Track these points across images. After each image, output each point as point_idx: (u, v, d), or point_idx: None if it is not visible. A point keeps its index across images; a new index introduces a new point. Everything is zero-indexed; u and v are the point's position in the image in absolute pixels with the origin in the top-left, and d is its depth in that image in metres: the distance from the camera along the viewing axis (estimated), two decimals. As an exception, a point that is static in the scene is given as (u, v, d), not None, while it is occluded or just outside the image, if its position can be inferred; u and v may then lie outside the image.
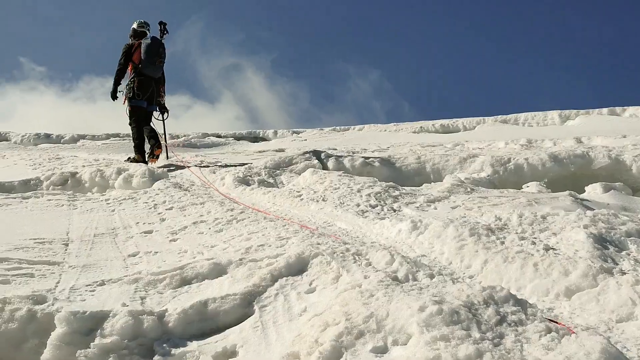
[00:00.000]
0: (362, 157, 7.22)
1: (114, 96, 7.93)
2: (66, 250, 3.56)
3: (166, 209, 4.77)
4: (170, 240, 3.87)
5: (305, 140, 25.97)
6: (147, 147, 8.08)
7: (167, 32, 8.02)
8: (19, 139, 21.91)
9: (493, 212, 4.31)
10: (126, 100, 7.91)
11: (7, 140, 22.65)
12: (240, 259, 3.08)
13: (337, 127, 29.68)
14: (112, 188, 6.22)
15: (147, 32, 8.07)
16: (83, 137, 22.92)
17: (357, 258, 3.00)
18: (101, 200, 5.13)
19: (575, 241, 3.37)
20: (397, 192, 5.24)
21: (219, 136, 28.28)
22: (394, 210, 4.76)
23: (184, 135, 26.57)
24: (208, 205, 4.77)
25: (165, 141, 8.72)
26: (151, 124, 8.21)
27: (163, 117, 8.48)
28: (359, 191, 5.24)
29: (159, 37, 7.96)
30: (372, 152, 9.36)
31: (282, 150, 12.30)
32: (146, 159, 7.94)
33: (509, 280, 3.05)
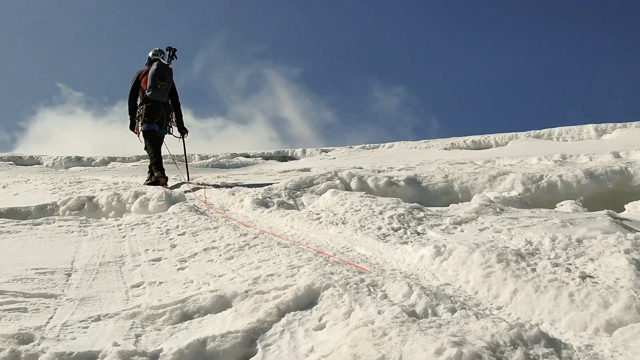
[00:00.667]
0: (387, 176, 6.97)
1: (132, 127, 8.15)
2: (67, 281, 3.40)
3: (178, 235, 4.60)
4: (178, 269, 3.69)
5: (334, 158, 25.84)
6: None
7: (176, 57, 8.13)
8: (50, 162, 22.25)
9: (524, 234, 4.02)
10: (138, 126, 8.06)
11: (39, 163, 23.04)
12: (247, 291, 2.87)
13: (367, 145, 29.48)
14: (129, 212, 6.10)
15: (162, 59, 8.20)
16: (113, 159, 23.10)
17: (372, 290, 2.77)
18: (113, 226, 5.00)
19: (615, 268, 3.08)
20: (421, 214, 4.98)
21: (247, 156, 28.35)
22: (418, 234, 4.51)
23: (213, 156, 26.72)
24: (221, 230, 4.59)
25: (186, 161, 9.22)
26: (162, 148, 8.34)
27: (183, 138, 8.53)
28: (381, 213, 5.00)
29: (166, 62, 8.07)
30: (399, 170, 9.10)
31: (307, 170, 12.13)
32: (164, 174, 8.10)
33: (542, 312, 2.77)
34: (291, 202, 6.35)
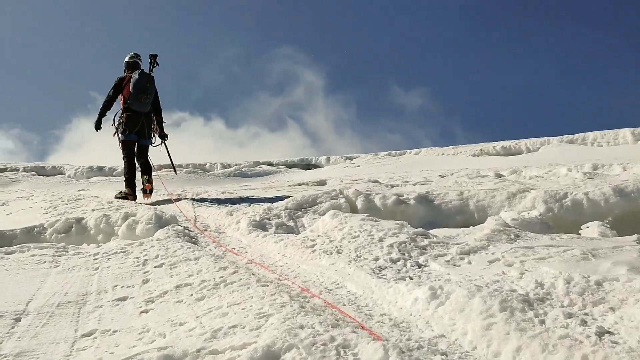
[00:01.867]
0: (396, 194, 6.53)
1: (97, 126, 8.11)
2: (13, 328, 3.06)
3: (155, 267, 4.25)
4: (141, 312, 3.32)
5: (358, 166, 25.41)
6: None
7: (157, 64, 8.13)
8: (72, 172, 22.28)
9: (536, 271, 3.56)
10: (116, 134, 8.12)
11: (61, 174, 23.10)
12: (199, 350, 2.48)
13: (393, 152, 28.96)
14: (117, 236, 5.79)
15: (139, 62, 8.23)
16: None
17: (341, 353, 2.36)
18: (89, 255, 4.66)
19: None
20: (425, 242, 4.54)
21: (270, 164, 28.08)
22: (419, 266, 4.07)
23: (235, 165, 26.53)
24: (202, 261, 4.22)
25: (173, 166, 9.39)
26: (148, 157, 8.40)
27: (166, 144, 8.58)
28: (380, 240, 4.58)
29: (148, 71, 8.07)
30: (414, 185, 8.64)
31: (322, 183, 11.74)
32: (136, 193, 8.19)
33: (549, 380, 2.33)
34: (291, 223, 5.97)
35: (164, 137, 8.53)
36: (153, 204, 8.11)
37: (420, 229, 4.87)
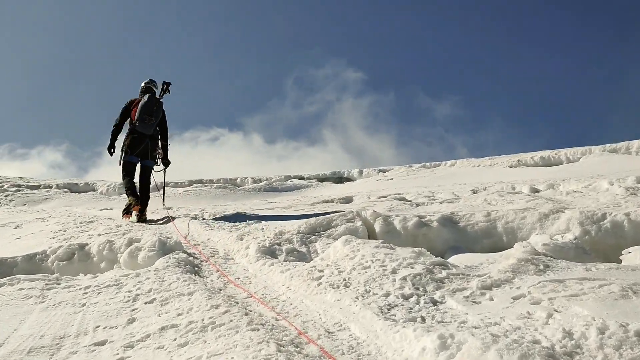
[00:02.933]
0: (417, 216, 6.10)
1: (110, 151, 8.32)
2: (-31, 382, 2.76)
3: (145, 303, 3.93)
4: (117, 360, 2.99)
5: (391, 179, 24.92)
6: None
7: (169, 92, 8.32)
8: (104, 188, 22.37)
9: (566, 312, 3.12)
10: (121, 156, 8.36)
11: (94, 190, 23.22)
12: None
13: (427, 164, 28.36)
14: (119, 264, 5.52)
15: (153, 88, 8.44)
16: (166, 184, 23.07)
17: None
18: (80, 288, 4.37)
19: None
20: (443, 273, 4.11)
21: (301, 178, 27.77)
22: (434, 303, 3.65)
23: (266, 179, 26.31)
24: (195, 297, 3.88)
25: (164, 191, 9.39)
26: (152, 177, 8.64)
27: (165, 169, 8.75)
28: (393, 272, 4.17)
29: (158, 96, 8.30)
30: (441, 203, 8.18)
31: (349, 200, 11.36)
32: (138, 199, 8.28)
33: None
34: (303, 249, 5.60)
35: (167, 163, 8.60)
36: (165, 222, 7.87)
37: (438, 259, 4.44)
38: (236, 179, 25.66)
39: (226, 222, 7.55)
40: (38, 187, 23.17)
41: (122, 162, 8.32)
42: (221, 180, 25.03)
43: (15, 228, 8.19)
